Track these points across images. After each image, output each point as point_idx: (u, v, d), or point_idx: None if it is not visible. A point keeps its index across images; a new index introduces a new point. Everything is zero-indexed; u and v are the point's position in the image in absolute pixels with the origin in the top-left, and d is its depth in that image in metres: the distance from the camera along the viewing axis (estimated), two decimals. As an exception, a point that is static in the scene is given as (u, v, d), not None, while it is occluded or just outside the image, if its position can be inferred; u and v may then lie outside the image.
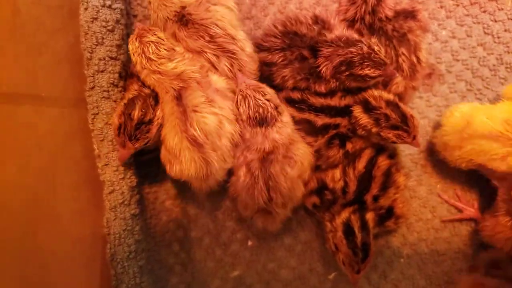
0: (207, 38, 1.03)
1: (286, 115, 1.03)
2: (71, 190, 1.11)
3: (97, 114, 1.08)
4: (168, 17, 1.07)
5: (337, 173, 1.08)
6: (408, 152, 1.22)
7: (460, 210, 1.21)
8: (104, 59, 1.08)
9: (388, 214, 1.08)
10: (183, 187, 1.23)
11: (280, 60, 1.07)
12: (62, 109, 1.13)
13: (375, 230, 1.07)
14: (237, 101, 1.02)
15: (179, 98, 0.99)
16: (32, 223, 0.98)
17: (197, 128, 0.97)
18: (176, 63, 1.00)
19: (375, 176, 1.06)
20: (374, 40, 1.05)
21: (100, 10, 1.08)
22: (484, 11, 1.23)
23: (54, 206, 1.06)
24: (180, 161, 0.98)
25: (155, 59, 1.00)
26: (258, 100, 0.99)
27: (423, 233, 1.21)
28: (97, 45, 1.08)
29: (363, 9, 1.07)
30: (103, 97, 1.08)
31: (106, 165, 1.09)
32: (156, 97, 1.02)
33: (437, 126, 1.20)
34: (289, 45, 1.07)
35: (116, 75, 1.09)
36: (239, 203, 1.08)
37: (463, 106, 1.09)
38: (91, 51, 1.08)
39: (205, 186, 1.05)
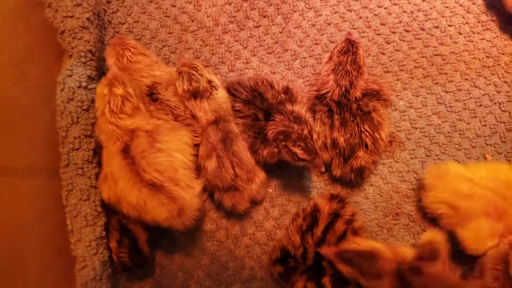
0: (171, 116, 1.14)
1: (222, 90, 1.14)
2: (43, 263, 1.11)
3: (71, 190, 1.11)
4: (139, 90, 1.15)
5: (298, 239, 1.10)
6: (374, 217, 1.27)
7: None
8: (79, 137, 1.12)
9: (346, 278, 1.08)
10: (156, 256, 1.25)
11: (238, 109, 1.17)
12: (37, 182, 1.16)
13: None
14: (174, 79, 1.13)
15: (125, 150, 1.02)
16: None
17: (150, 171, 0.99)
18: (134, 120, 1.05)
19: (329, 241, 1.09)
20: (318, 129, 1.16)
21: (76, 91, 1.14)
22: (436, 83, 1.34)
23: (25, 279, 1.06)
24: (149, 211, 1.00)
25: (117, 112, 1.04)
26: (192, 75, 1.10)
27: (392, 297, 1.23)
28: (72, 124, 1.13)
29: (335, 91, 1.17)
30: (78, 174, 1.11)
31: (78, 240, 1.10)
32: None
33: (399, 191, 1.28)
34: (250, 101, 1.15)
35: (91, 152, 1.14)
36: (209, 187, 1.18)
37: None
38: (66, 130, 1.12)
39: (187, 221, 1.06)
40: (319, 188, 1.28)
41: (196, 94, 1.10)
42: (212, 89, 1.12)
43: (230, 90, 1.19)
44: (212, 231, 1.27)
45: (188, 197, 1.03)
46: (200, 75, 1.11)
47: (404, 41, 1.36)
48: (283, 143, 1.07)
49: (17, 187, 1.10)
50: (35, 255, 1.10)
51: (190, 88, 1.10)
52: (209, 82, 1.11)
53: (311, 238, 1.09)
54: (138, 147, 1.02)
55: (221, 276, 1.24)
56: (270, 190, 1.28)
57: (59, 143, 1.13)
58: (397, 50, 1.36)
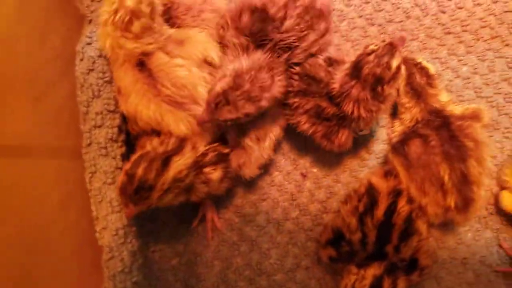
0: None
1: None
2: (70, 252, 1.05)
3: (95, 172, 1.00)
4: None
5: (354, 222, 0.98)
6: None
7: None
8: (102, 113, 1.00)
9: (411, 267, 0.98)
10: (190, 243, 1.14)
11: (295, 105, 0.99)
12: (60, 163, 1.07)
13: None
14: None
15: (141, 64, 0.92)
16: (29, 284, 0.96)
17: (170, 86, 0.91)
18: (139, 44, 0.90)
19: (395, 224, 0.96)
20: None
21: (97, 61, 1.01)
22: (507, 45, 1.15)
23: (52, 269, 1.01)
24: (167, 125, 0.93)
25: (121, 28, 0.89)
26: None
27: (455, 288, 1.10)
28: (93, 98, 1.00)
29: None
30: (101, 154, 1.00)
31: (104, 228, 0.99)
32: (165, 160, 0.90)
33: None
34: (305, 90, 0.98)
35: (115, 130, 1.01)
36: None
37: None
38: (87, 105, 1.00)
39: (209, 137, 1.00)
40: (371, 166, 1.14)
41: None
42: None
43: None
44: (251, 215, 1.14)
45: None
46: None
47: (468, -4, 1.17)
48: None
49: (39, 169, 1.02)
50: (63, 242, 1.03)
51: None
52: None
53: (370, 221, 0.96)
54: (156, 61, 0.92)
55: (262, 264, 1.12)
56: (315, 170, 1.14)
57: (80, 120, 1.01)
58: (460, 8, 1.17)
